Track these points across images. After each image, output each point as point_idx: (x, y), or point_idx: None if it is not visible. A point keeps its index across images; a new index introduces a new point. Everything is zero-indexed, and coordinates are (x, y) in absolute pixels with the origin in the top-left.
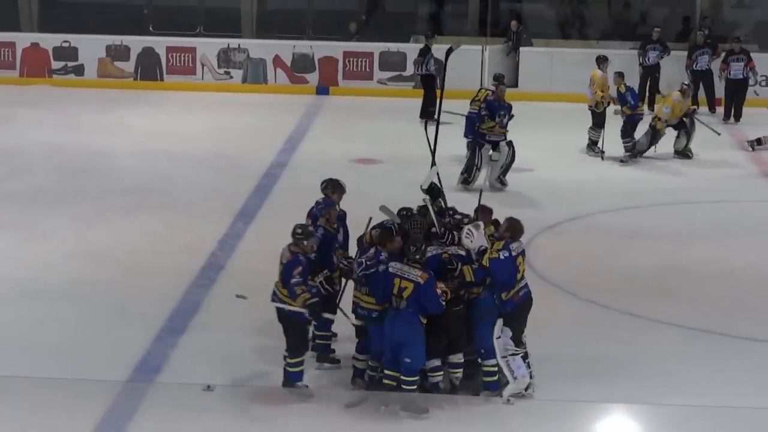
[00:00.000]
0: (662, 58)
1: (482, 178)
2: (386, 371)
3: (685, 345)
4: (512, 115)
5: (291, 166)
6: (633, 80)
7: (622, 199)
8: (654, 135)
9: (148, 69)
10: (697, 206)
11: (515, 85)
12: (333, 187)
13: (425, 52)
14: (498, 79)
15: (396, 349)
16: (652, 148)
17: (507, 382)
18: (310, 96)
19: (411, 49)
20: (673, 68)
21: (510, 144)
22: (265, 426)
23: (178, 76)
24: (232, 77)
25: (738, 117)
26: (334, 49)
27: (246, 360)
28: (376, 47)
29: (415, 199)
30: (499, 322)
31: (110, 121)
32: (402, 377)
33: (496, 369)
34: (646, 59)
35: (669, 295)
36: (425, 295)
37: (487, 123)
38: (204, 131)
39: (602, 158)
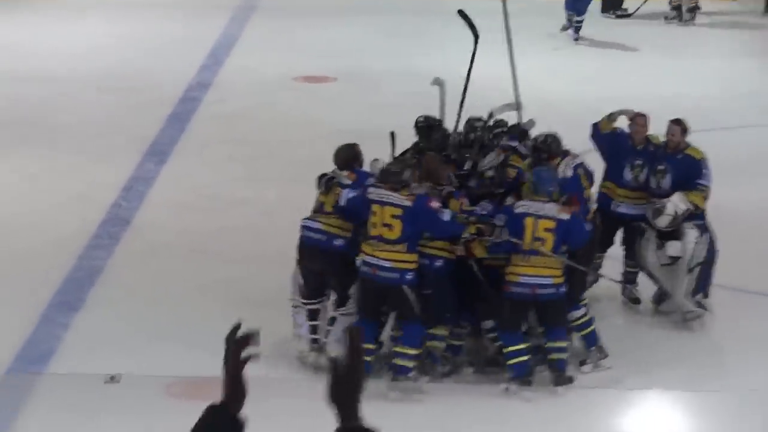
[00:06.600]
0: None
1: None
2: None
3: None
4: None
5: (216, 87)
6: None
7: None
8: None
9: None
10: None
11: None
12: None
13: None
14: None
15: None
16: None
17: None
18: None
19: None
20: None
21: (702, 228)
22: (184, 424)
23: None
24: None
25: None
26: None
27: (159, 342)
28: None
29: (384, 126)
30: None
31: None
32: None
33: None
34: None
35: None
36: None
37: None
38: (99, 43)
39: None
